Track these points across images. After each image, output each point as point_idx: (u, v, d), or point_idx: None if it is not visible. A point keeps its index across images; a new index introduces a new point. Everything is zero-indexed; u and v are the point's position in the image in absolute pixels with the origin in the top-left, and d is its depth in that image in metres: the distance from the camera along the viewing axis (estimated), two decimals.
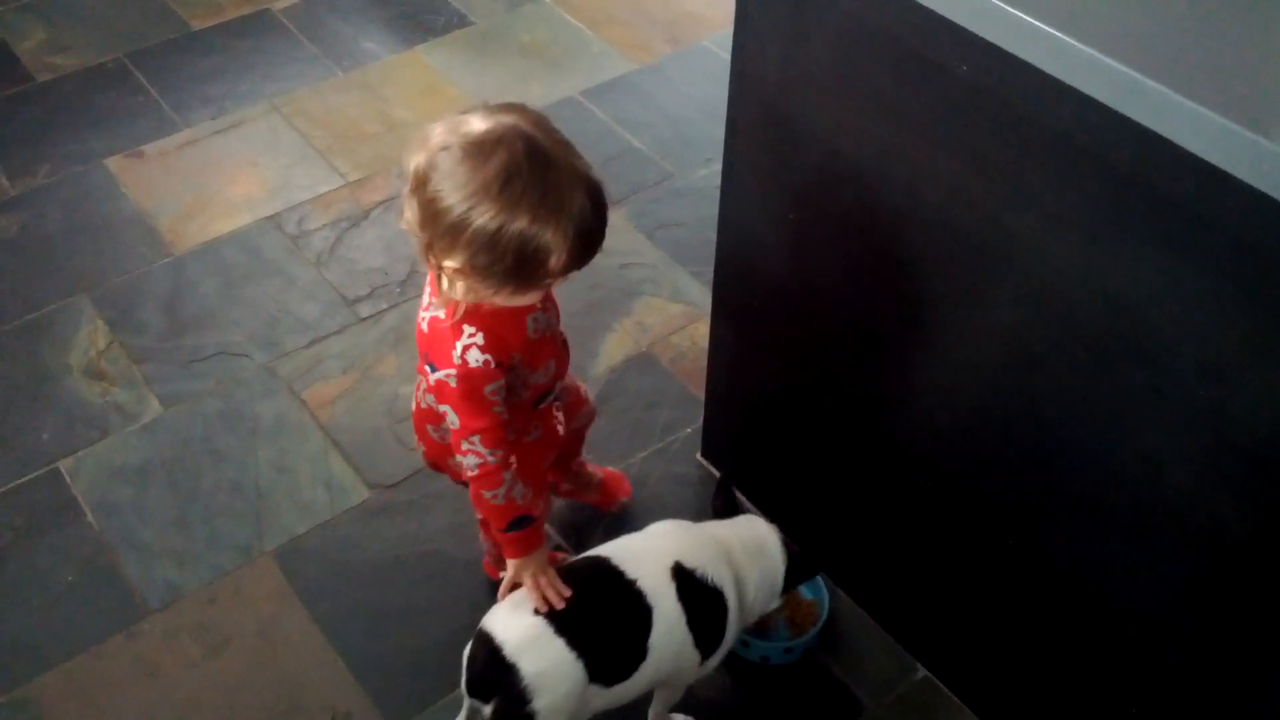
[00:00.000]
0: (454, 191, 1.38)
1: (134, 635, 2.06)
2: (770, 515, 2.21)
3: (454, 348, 1.51)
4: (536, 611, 1.61)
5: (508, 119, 1.41)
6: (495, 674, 1.59)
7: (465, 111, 1.44)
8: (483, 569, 2.12)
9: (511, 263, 1.40)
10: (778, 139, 1.72)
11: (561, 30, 3.41)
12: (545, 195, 1.38)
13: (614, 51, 3.33)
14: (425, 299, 1.59)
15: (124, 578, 2.13)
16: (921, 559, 1.91)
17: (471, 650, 1.64)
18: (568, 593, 1.63)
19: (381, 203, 2.86)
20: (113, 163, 2.94)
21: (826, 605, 2.04)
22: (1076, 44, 1.23)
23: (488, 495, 1.60)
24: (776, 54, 1.64)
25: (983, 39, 1.33)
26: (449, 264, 1.43)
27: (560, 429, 1.82)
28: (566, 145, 1.44)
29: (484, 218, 1.37)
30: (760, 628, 2.03)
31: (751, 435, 2.20)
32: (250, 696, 1.98)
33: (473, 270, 1.42)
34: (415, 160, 1.42)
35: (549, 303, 1.63)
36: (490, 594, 2.06)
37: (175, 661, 2.02)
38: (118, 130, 3.03)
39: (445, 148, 1.39)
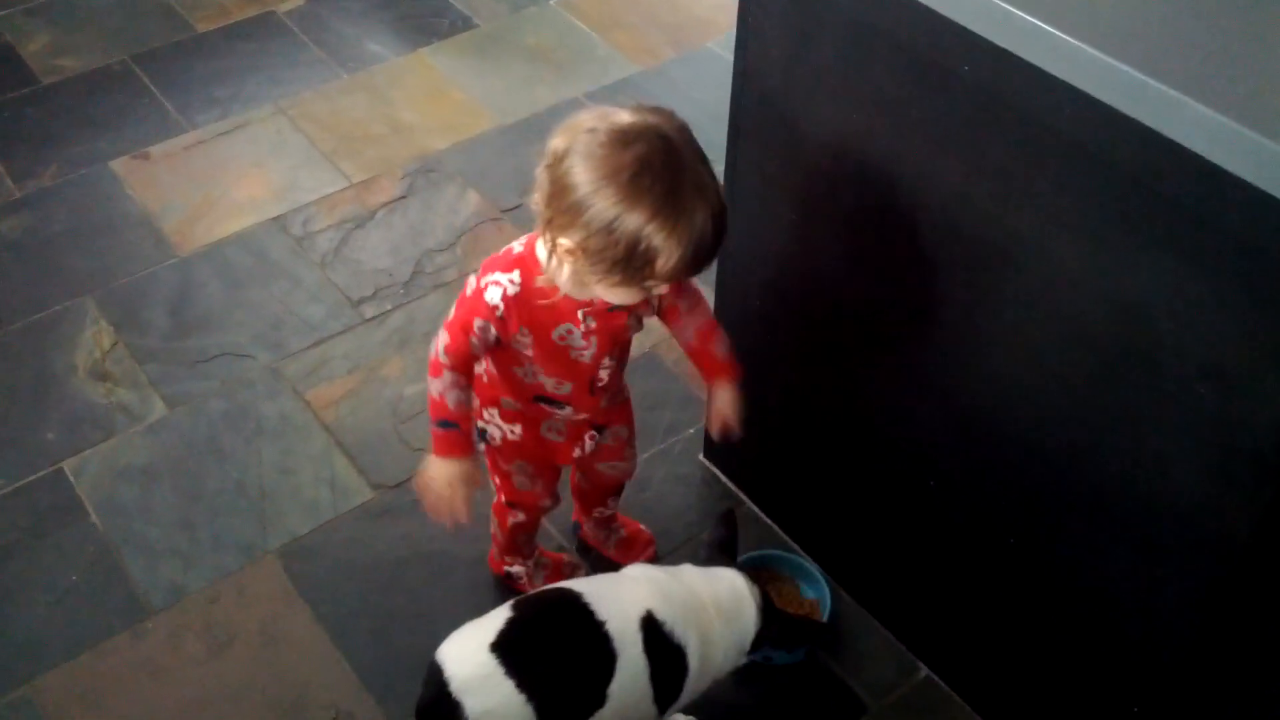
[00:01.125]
0: (586, 172, 1.41)
1: (138, 635, 2.06)
2: (773, 516, 2.21)
3: (492, 273, 1.57)
4: (491, 648, 1.58)
5: (654, 118, 1.44)
6: (443, 709, 1.58)
7: (617, 106, 1.48)
8: (487, 565, 2.13)
9: (622, 254, 1.41)
10: (780, 141, 1.72)
11: (567, 33, 3.42)
12: (669, 197, 1.39)
13: (619, 55, 3.34)
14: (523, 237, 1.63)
15: (128, 577, 2.14)
16: (924, 559, 1.91)
17: (424, 679, 1.62)
18: (463, 519, 1.68)
19: (386, 204, 2.87)
20: (118, 164, 2.95)
21: (829, 604, 2.04)
22: (1079, 44, 1.24)
23: (430, 383, 1.65)
24: (779, 56, 1.64)
25: (986, 40, 1.33)
26: (564, 242, 1.46)
27: (578, 451, 1.83)
28: (703, 158, 1.46)
29: (606, 202, 1.39)
30: None
31: (754, 436, 2.20)
32: (254, 696, 1.99)
33: (584, 252, 1.44)
34: (558, 139, 1.45)
35: (594, 336, 1.63)
36: (495, 592, 2.07)
37: (179, 661, 2.03)
38: (123, 132, 3.04)
39: (591, 130, 1.42)
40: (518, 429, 1.80)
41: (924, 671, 2.02)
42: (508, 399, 1.75)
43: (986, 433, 1.66)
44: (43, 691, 1.98)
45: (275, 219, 2.82)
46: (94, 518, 2.23)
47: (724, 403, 1.81)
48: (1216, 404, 1.33)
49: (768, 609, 1.78)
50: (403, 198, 2.88)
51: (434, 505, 1.70)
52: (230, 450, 2.34)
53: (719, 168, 1.88)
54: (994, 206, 1.45)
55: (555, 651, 1.62)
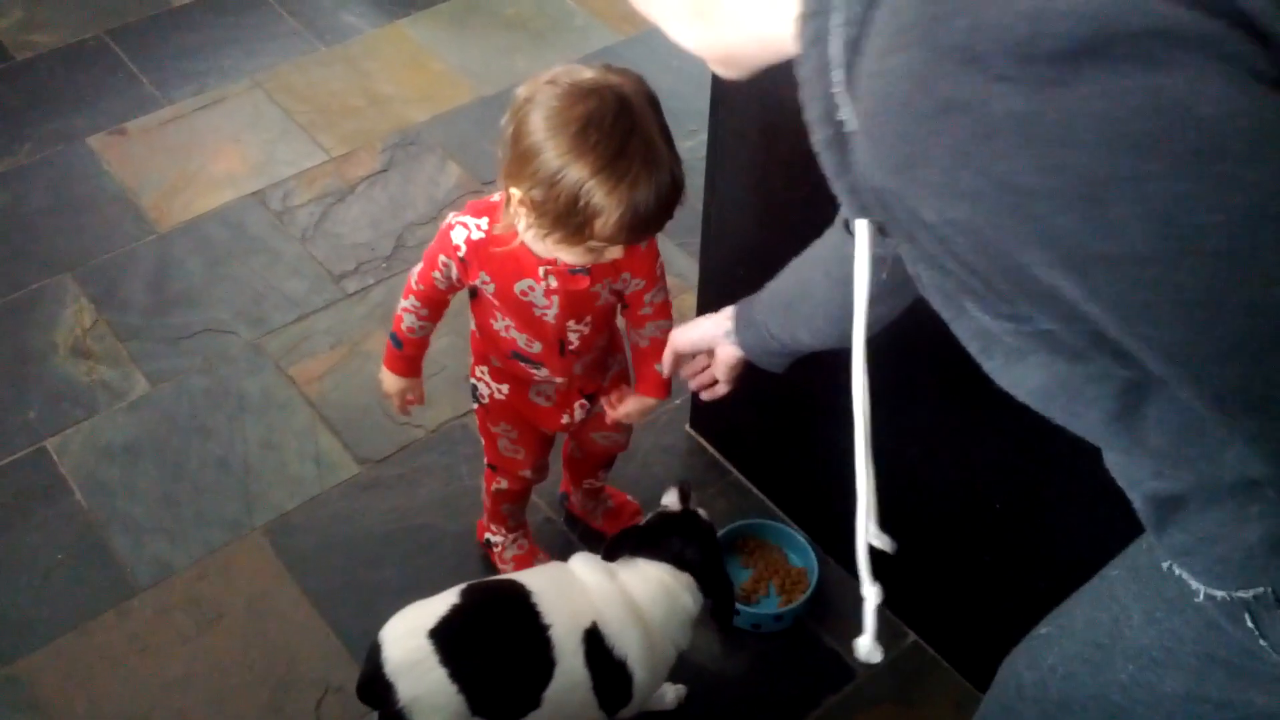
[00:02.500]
0: (539, 120, 1.41)
1: (124, 612, 2.06)
2: (757, 485, 2.22)
3: (464, 214, 1.61)
4: (430, 634, 1.58)
5: (617, 79, 1.43)
6: (377, 688, 1.58)
7: (588, 64, 1.48)
8: (474, 538, 2.13)
9: (562, 208, 1.41)
10: (763, 107, 1.71)
11: (545, 2, 3.39)
12: (616, 157, 1.38)
13: (598, 23, 3.31)
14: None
15: (113, 555, 2.13)
16: (910, 524, 1.91)
17: (366, 656, 1.63)
18: (405, 414, 1.88)
19: (366, 178, 2.85)
20: (95, 141, 2.93)
21: (816, 573, 2.05)
22: None
23: (400, 300, 1.72)
24: None
25: None
26: (514, 191, 1.46)
27: (567, 418, 1.82)
28: (661, 127, 1.45)
29: (552, 152, 1.39)
30: (750, 595, 2.04)
31: (739, 406, 2.19)
32: (242, 672, 1.99)
33: (530, 204, 1.44)
34: (523, 88, 1.46)
35: (555, 295, 1.61)
36: (481, 565, 2.08)
37: (166, 638, 2.03)
38: (99, 108, 3.01)
39: (551, 82, 1.42)
40: (505, 389, 1.80)
41: (911, 637, 2.04)
42: (494, 356, 1.77)
43: (970, 396, 1.66)
44: (30, 671, 1.98)
45: (254, 194, 2.80)
46: (78, 496, 2.22)
47: (638, 409, 1.82)
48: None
49: (706, 579, 1.76)
50: (382, 171, 2.87)
51: (391, 406, 1.87)
52: (214, 427, 2.34)
53: (702, 136, 1.88)
54: None
55: (492, 647, 1.61)
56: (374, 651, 1.60)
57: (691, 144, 2.89)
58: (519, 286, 1.61)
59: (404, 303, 1.72)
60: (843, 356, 1.87)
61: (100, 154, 2.89)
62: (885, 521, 1.98)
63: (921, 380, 1.73)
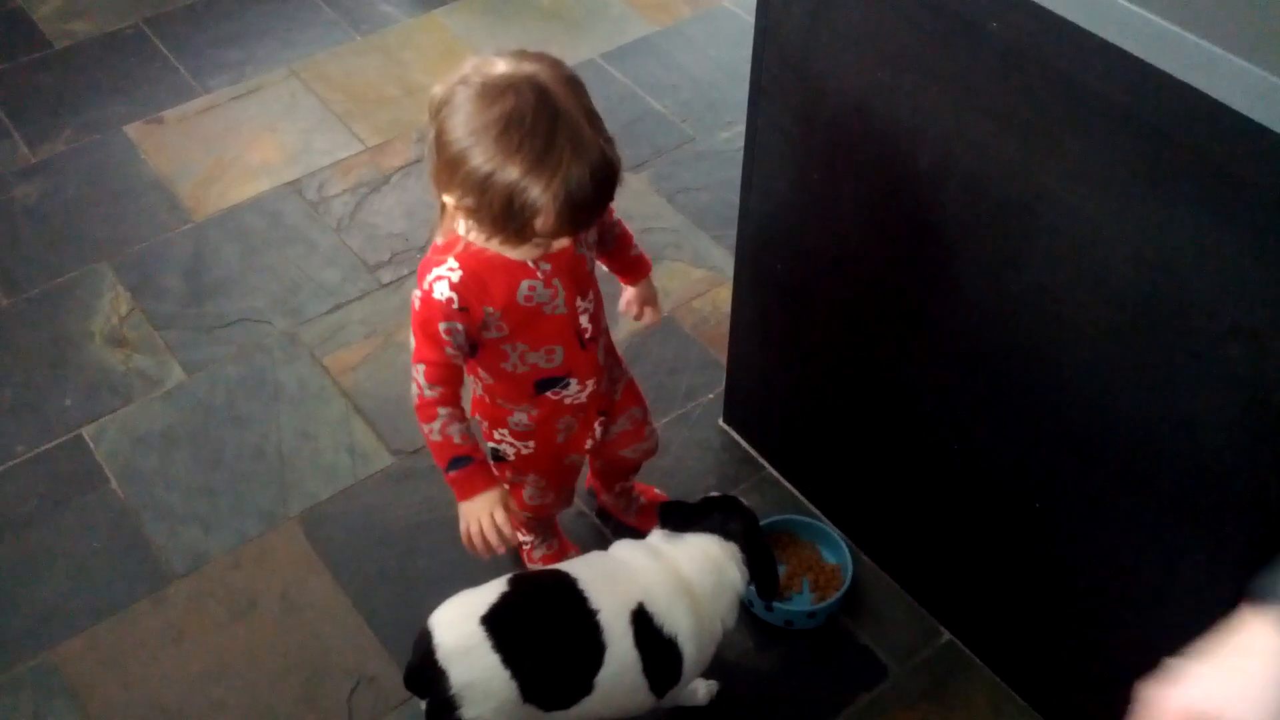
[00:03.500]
0: (457, 128, 1.37)
1: (159, 600, 2.07)
2: (791, 481, 2.20)
3: (430, 272, 1.50)
4: (482, 619, 1.57)
5: (530, 67, 1.39)
6: (428, 674, 1.57)
7: (500, 53, 1.43)
8: None
9: (498, 211, 1.37)
10: (803, 99, 1.70)
11: None
12: (544, 152, 1.34)
13: (634, 13, 3.30)
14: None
15: (149, 543, 2.14)
16: (947, 523, 1.90)
17: (415, 643, 1.62)
18: (500, 549, 1.62)
19: (401, 168, 2.85)
20: (132, 129, 2.94)
21: (850, 569, 2.03)
22: None
23: (424, 429, 1.58)
24: (802, 12, 1.62)
25: None
26: (447, 198, 1.43)
27: (590, 441, 1.79)
28: (585, 109, 1.40)
29: (477, 160, 1.35)
30: (783, 592, 2.02)
31: (774, 400, 2.19)
32: (276, 660, 1.99)
33: (465, 210, 1.41)
34: (437, 88, 1.42)
35: (557, 279, 1.56)
36: (513, 557, 2.07)
37: (201, 626, 2.03)
38: (137, 96, 3.02)
39: (463, 82, 1.38)
40: (531, 444, 1.75)
41: (946, 635, 2.02)
42: (517, 415, 1.70)
43: (1011, 394, 1.65)
44: (66, 658, 1.99)
45: (290, 183, 2.81)
46: (114, 484, 2.23)
47: (649, 292, 1.80)
48: (1248, 364, 1.31)
49: (752, 553, 1.75)
50: (417, 161, 2.86)
51: (478, 544, 1.63)
52: (249, 416, 2.34)
53: (739, 128, 1.86)
54: (1022, 164, 1.43)
55: (545, 633, 1.61)
56: (424, 638, 1.60)
57: (728, 135, 2.89)
58: (521, 294, 1.54)
59: (435, 423, 1.56)
60: (876, 350, 1.86)
61: (137, 142, 2.90)
62: (925, 517, 1.97)
63: (964, 380, 1.71)
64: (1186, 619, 1.58)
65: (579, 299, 1.62)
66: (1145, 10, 1.19)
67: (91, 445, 2.29)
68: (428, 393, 1.55)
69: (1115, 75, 1.26)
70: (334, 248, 2.66)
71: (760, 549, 1.78)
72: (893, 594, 2.08)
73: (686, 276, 2.60)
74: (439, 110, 1.39)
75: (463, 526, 1.64)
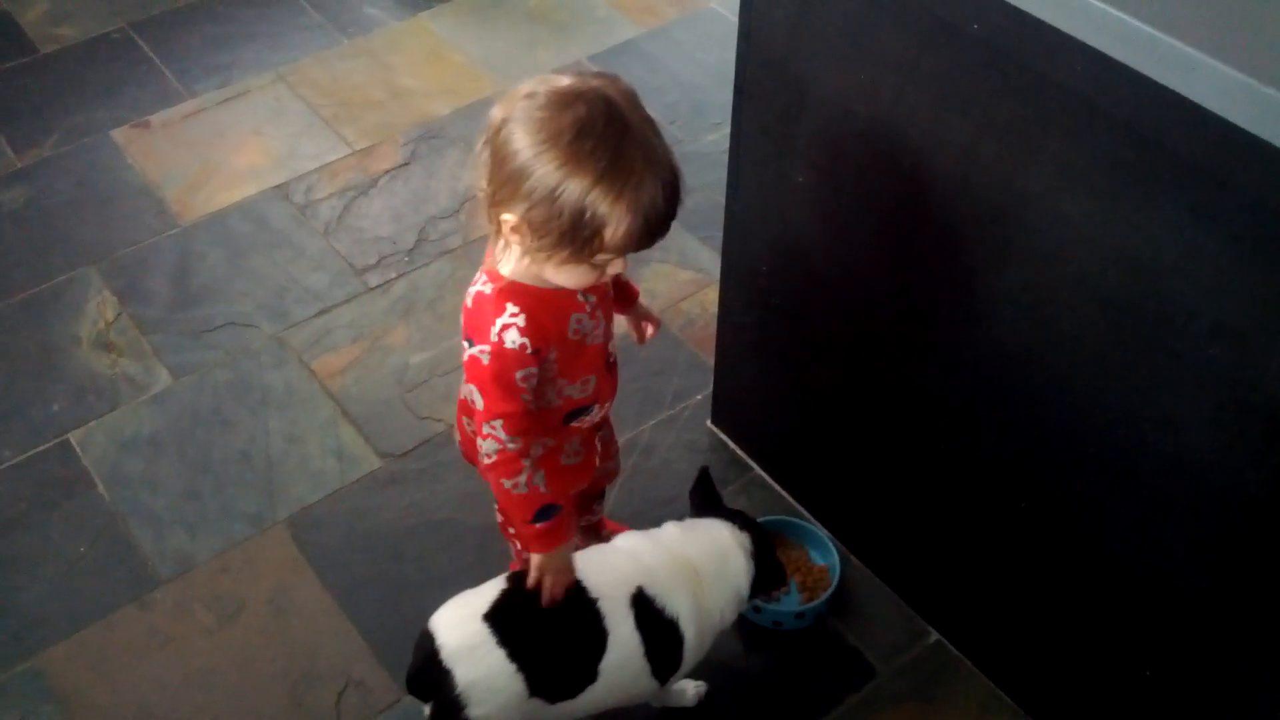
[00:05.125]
0: (525, 136, 1.33)
1: (146, 605, 2.06)
2: (779, 482, 2.21)
3: (494, 324, 1.45)
4: (484, 617, 1.58)
5: (596, 82, 1.36)
6: (432, 676, 1.57)
7: (559, 71, 1.40)
8: (495, 532, 2.12)
9: (567, 224, 1.33)
10: (787, 101, 1.70)
11: None
12: (616, 161, 1.31)
13: (620, 15, 3.30)
14: (477, 274, 1.53)
15: (136, 548, 2.14)
16: (934, 523, 1.91)
17: (415, 646, 1.61)
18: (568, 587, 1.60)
19: (389, 171, 2.85)
20: (119, 134, 2.93)
21: (838, 570, 2.04)
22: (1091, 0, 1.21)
23: (508, 484, 1.53)
24: (785, 14, 1.62)
25: None
26: (507, 217, 1.38)
27: (597, 460, 1.77)
28: (650, 123, 1.38)
29: (548, 167, 1.31)
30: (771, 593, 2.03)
31: (761, 402, 2.19)
32: (264, 665, 1.99)
33: (529, 227, 1.36)
34: (496, 109, 1.38)
35: (599, 310, 1.56)
36: (504, 560, 2.07)
37: (188, 631, 2.03)
38: (123, 101, 3.02)
39: (529, 96, 1.35)
40: (540, 474, 1.67)
41: (934, 636, 2.02)
42: (533, 450, 1.64)
43: (995, 395, 1.65)
44: (52, 662, 1.98)
45: (277, 187, 2.80)
46: (101, 489, 2.23)
47: (642, 310, 1.77)
48: (1229, 363, 1.31)
49: (760, 551, 1.76)
50: (405, 164, 2.86)
51: (558, 592, 1.60)
52: (236, 420, 2.34)
53: (725, 130, 1.86)
54: (1003, 165, 1.43)
55: (547, 625, 1.61)
56: (425, 640, 1.60)
57: (714, 137, 2.90)
58: (571, 330, 1.51)
59: (521, 476, 1.51)
60: (863, 350, 1.87)
61: (124, 147, 2.90)
62: (913, 517, 1.98)
63: (949, 380, 1.72)
64: (1170, 615, 1.59)
65: (609, 325, 1.62)
66: (1124, 13, 1.19)
67: (78, 450, 2.28)
68: (510, 446, 1.50)
69: (1095, 78, 1.26)
70: (321, 252, 2.66)
71: (768, 546, 1.79)
72: (881, 595, 2.08)
73: (674, 278, 2.60)
74: (501, 127, 1.36)
75: (533, 580, 1.60)
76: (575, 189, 1.31)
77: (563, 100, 1.33)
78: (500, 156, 1.36)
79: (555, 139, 1.31)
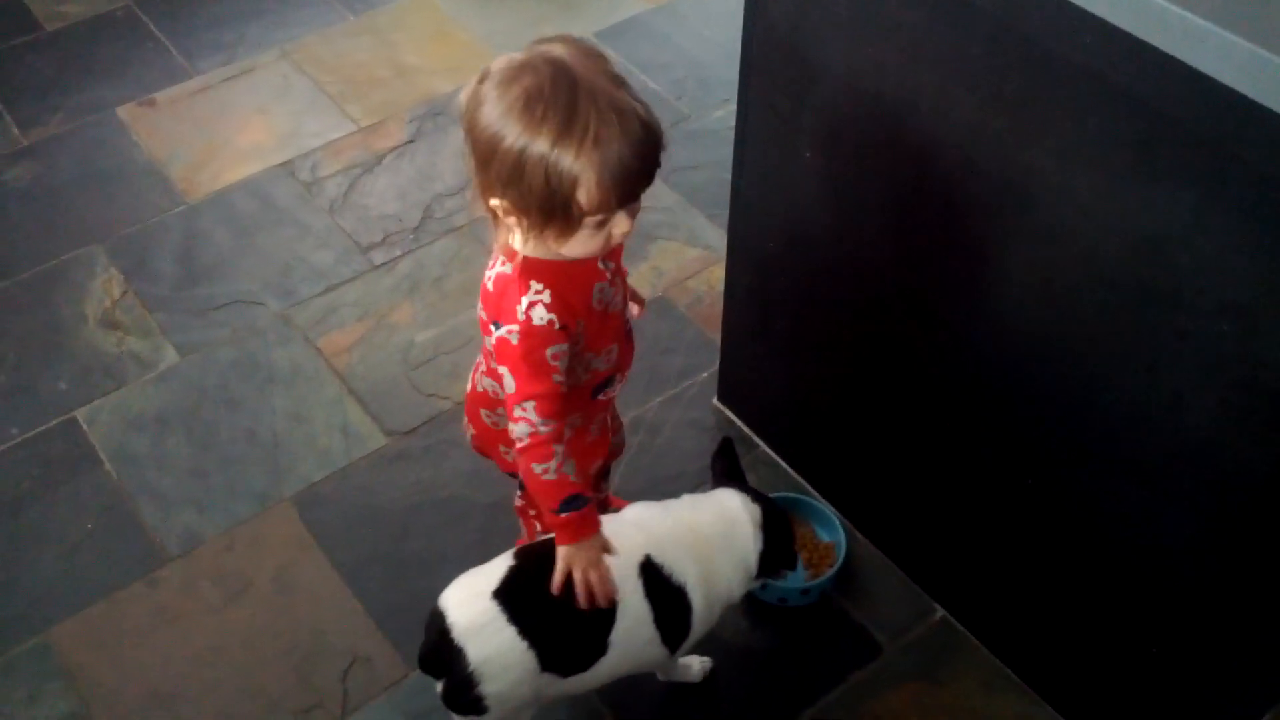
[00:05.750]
0: (484, 118, 1.34)
1: (153, 582, 2.07)
2: (787, 460, 2.20)
3: (519, 303, 1.44)
4: (493, 595, 1.57)
5: (545, 47, 1.36)
6: (444, 655, 1.57)
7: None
8: (499, 509, 2.12)
9: (541, 193, 1.33)
10: (793, 77, 1.69)
11: None
12: (569, 119, 1.30)
13: None
14: (492, 257, 1.53)
15: (142, 525, 2.14)
16: (940, 501, 1.90)
17: (426, 625, 1.62)
18: (616, 594, 1.58)
19: (394, 149, 2.84)
20: (124, 111, 2.93)
21: (844, 547, 2.04)
22: None
23: (538, 469, 1.50)
24: None
25: None
26: (494, 202, 1.39)
27: (612, 435, 1.76)
28: (608, 74, 1.36)
29: (508, 142, 1.32)
30: None
31: (768, 379, 2.18)
32: (270, 642, 1.99)
33: (514, 207, 1.37)
34: (460, 95, 1.39)
35: (617, 278, 1.55)
36: (510, 537, 2.07)
37: (195, 608, 2.04)
38: (128, 79, 3.01)
39: (484, 78, 1.36)
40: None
41: (940, 613, 2.02)
42: (584, 427, 1.66)
43: (1002, 371, 1.64)
44: (59, 639, 1.99)
45: (282, 165, 2.80)
46: (107, 466, 2.23)
47: (633, 291, 1.72)
48: (1236, 341, 1.30)
49: (770, 524, 1.75)
50: (410, 142, 2.85)
51: (584, 600, 1.56)
52: (242, 398, 2.34)
53: (733, 106, 1.86)
54: (1010, 140, 1.42)
55: (556, 601, 1.60)
56: (436, 619, 1.60)
57: (722, 114, 2.88)
58: (595, 299, 1.50)
59: (551, 462, 1.49)
60: (869, 328, 1.86)
61: (129, 125, 2.89)
62: (919, 495, 1.98)
63: (956, 357, 1.71)
64: (1176, 592, 1.59)
65: (626, 291, 1.61)
66: None
67: (85, 428, 2.29)
68: (541, 429, 1.47)
69: (1104, 51, 1.25)
70: (326, 229, 2.66)
71: (782, 524, 1.77)
72: (886, 571, 2.08)
73: (681, 256, 2.59)
74: (467, 113, 1.37)
75: (561, 573, 1.56)
76: (535, 155, 1.31)
77: (511, 74, 1.33)
78: (472, 141, 1.37)
79: (508, 113, 1.32)
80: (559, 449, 1.49)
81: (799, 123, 1.73)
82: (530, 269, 1.45)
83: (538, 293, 1.44)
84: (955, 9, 1.39)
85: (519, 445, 1.50)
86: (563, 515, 1.53)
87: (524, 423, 1.48)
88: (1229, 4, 1.15)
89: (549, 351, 1.45)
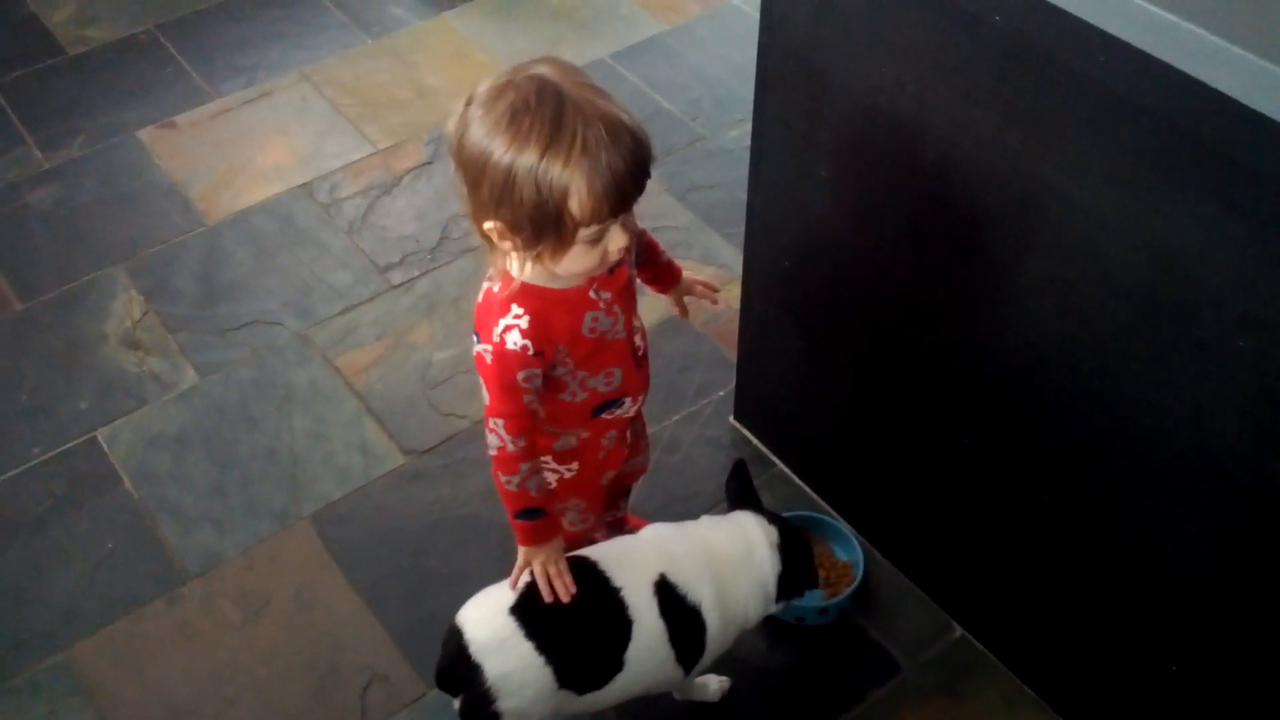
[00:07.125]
0: (471, 138, 1.35)
1: (173, 600, 2.08)
2: (804, 477, 2.20)
3: (496, 324, 1.47)
4: (511, 611, 1.59)
5: (528, 68, 1.38)
6: (461, 671, 1.58)
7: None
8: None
9: (532, 208, 1.33)
10: (808, 95, 1.70)
11: None
12: (556, 131, 1.31)
13: (644, 13, 3.30)
14: (490, 271, 1.55)
15: (163, 544, 2.15)
16: (958, 517, 1.90)
17: (443, 641, 1.62)
18: (574, 589, 1.60)
19: (412, 170, 2.86)
20: (145, 134, 2.95)
21: (861, 565, 2.03)
22: None
23: (503, 479, 1.56)
24: (806, 7, 1.62)
25: None
26: (487, 226, 1.39)
27: (628, 451, 1.77)
28: (593, 88, 1.37)
29: (495, 158, 1.33)
30: None
31: (784, 397, 2.19)
32: (289, 660, 2.00)
33: (508, 227, 1.37)
34: (448, 125, 1.40)
35: (615, 305, 1.55)
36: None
37: (214, 626, 2.04)
38: (150, 101, 3.04)
39: (469, 102, 1.37)
40: (575, 466, 1.72)
41: (958, 631, 2.01)
42: (565, 439, 1.67)
43: (1019, 387, 1.64)
44: (80, 657, 2.00)
45: (302, 186, 2.82)
46: (128, 485, 2.24)
47: (693, 281, 1.78)
48: (1255, 354, 1.30)
49: (788, 546, 1.75)
50: (428, 163, 2.87)
51: (546, 594, 1.60)
52: (262, 417, 2.35)
53: (748, 126, 1.87)
54: (1026, 156, 1.43)
55: (574, 616, 1.61)
56: (454, 635, 1.61)
57: (737, 133, 2.89)
58: (585, 327, 1.51)
59: (515, 477, 1.54)
60: (886, 344, 1.86)
61: (150, 147, 2.92)
62: (937, 512, 1.97)
63: (973, 373, 1.71)
64: (1197, 609, 1.58)
65: (633, 319, 1.61)
66: (1146, 2, 1.18)
67: (106, 447, 2.30)
68: (511, 446, 1.53)
69: (1118, 67, 1.25)
70: (345, 250, 2.67)
71: (799, 545, 1.78)
72: (904, 590, 2.07)
73: (697, 274, 2.59)
74: (455, 138, 1.38)
75: (519, 568, 1.62)
76: (524, 168, 1.31)
77: (495, 93, 1.35)
78: (461, 165, 1.38)
79: (494, 129, 1.33)
80: (525, 466, 1.54)
81: (814, 140, 1.74)
82: (518, 293, 1.47)
83: (516, 317, 1.46)
84: (970, 27, 1.40)
85: (489, 453, 1.55)
86: (518, 520, 1.59)
87: (494, 436, 1.53)
88: (1241, 21, 1.16)
89: (520, 375, 1.48)
